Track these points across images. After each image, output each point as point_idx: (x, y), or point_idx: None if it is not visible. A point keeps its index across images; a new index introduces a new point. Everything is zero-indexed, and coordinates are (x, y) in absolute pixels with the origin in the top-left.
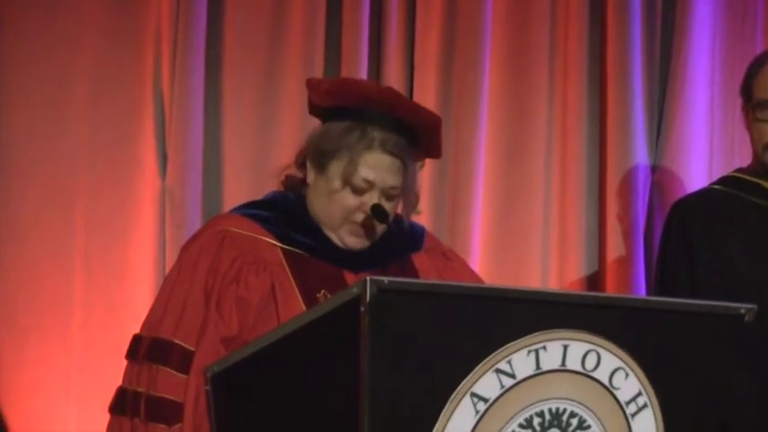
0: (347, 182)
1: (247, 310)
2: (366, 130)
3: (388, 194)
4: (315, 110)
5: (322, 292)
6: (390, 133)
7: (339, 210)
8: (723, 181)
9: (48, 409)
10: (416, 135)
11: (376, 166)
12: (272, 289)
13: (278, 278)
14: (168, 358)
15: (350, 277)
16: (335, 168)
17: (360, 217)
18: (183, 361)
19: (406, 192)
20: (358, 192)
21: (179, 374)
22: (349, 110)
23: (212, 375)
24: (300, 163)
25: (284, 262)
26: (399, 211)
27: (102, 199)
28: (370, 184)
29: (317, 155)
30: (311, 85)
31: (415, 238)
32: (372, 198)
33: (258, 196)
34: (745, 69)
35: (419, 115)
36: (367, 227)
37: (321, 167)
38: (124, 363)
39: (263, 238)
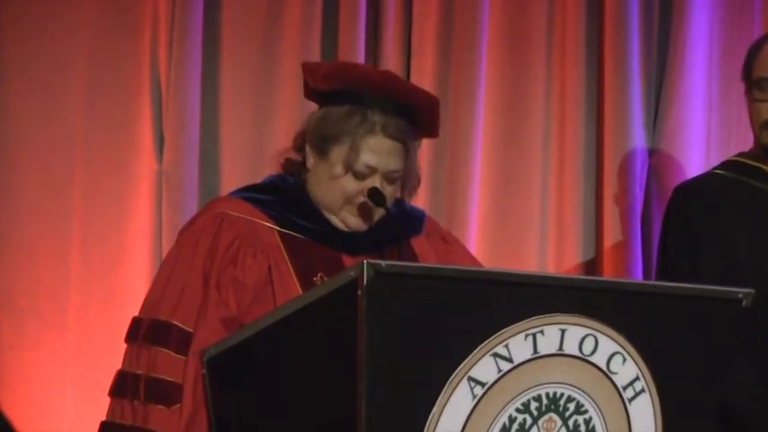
0: (349, 167)
1: (244, 293)
2: (367, 115)
3: (389, 178)
4: (311, 94)
5: (319, 275)
6: (391, 116)
7: (341, 194)
8: (725, 165)
9: (44, 393)
10: (415, 116)
11: (378, 151)
12: (268, 271)
13: (274, 261)
14: (167, 340)
15: (348, 261)
16: (337, 153)
17: (361, 200)
18: (181, 342)
19: (408, 174)
20: (360, 177)
21: (177, 356)
22: (348, 93)
23: (209, 359)
24: (299, 147)
25: (281, 245)
26: (399, 194)
27: (99, 182)
28: (372, 170)
29: (317, 140)
30: (308, 68)
31: (415, 222)
32: (374, 182)
33: (255, 180)
34: (743, 53)
35: (418, 97)
36: (367, 208)
37: (322, 152)
38: (120, 347)
39: (261, 221)
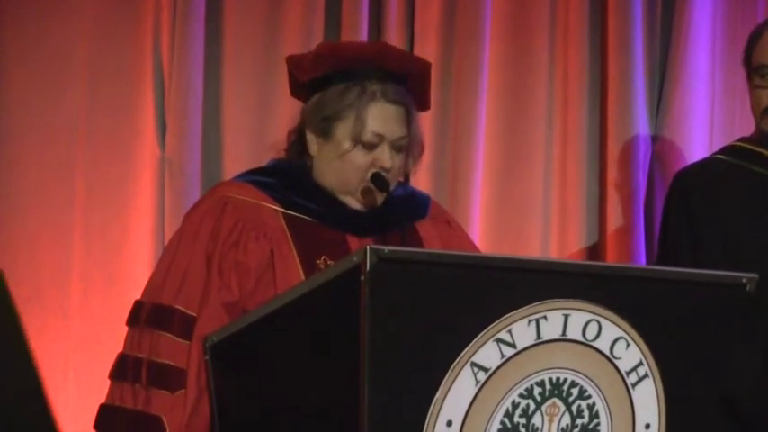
0: (357, 140)
1: (246, 276)
2: (365, 86)
3: (397, 146)
4: (299, 88)
5: (322, 258)
6: (389, 83)
7: (353, 170)
8: (726, 150)
9: (46, 379)
10: (409, 81)
11: (383, 118)
12: (270, 255)
13: (277, 244)
14: (170, 324)
15: (353, 242)
16: (342, 130)
17: (373, 171)
18: (184, 327)
19: (412, 141)
20: (369, 147)
21: (181, 340)
22: (340, 73)
23: (211, 345)
24: (295, 140)
25: (285, 227)
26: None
27: (102, 169)
28: (380, 137)
29: (318, 122)
30: (293, 61)
31: (420, 206)
32: (383, 152)
33: (258, 165)
34: (746, 40)
35: (411, 63)
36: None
37: (326, 134)
38: (123, 333)
39: (266, 204)
